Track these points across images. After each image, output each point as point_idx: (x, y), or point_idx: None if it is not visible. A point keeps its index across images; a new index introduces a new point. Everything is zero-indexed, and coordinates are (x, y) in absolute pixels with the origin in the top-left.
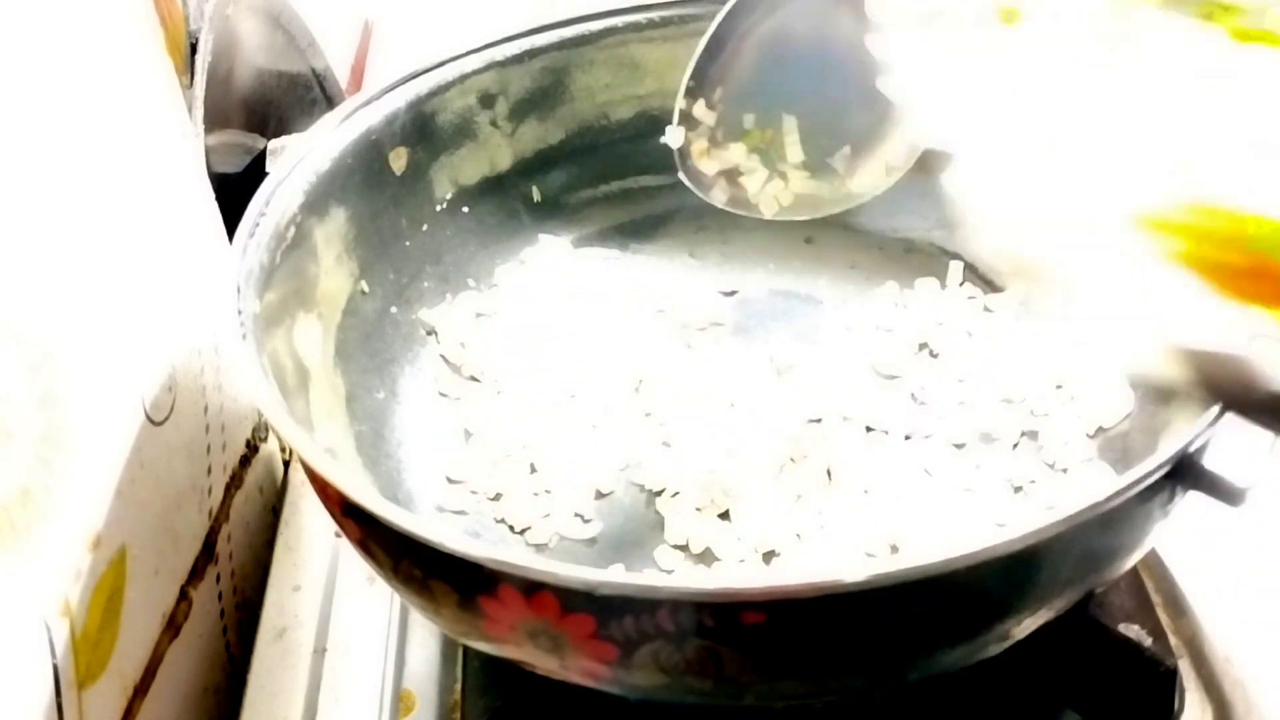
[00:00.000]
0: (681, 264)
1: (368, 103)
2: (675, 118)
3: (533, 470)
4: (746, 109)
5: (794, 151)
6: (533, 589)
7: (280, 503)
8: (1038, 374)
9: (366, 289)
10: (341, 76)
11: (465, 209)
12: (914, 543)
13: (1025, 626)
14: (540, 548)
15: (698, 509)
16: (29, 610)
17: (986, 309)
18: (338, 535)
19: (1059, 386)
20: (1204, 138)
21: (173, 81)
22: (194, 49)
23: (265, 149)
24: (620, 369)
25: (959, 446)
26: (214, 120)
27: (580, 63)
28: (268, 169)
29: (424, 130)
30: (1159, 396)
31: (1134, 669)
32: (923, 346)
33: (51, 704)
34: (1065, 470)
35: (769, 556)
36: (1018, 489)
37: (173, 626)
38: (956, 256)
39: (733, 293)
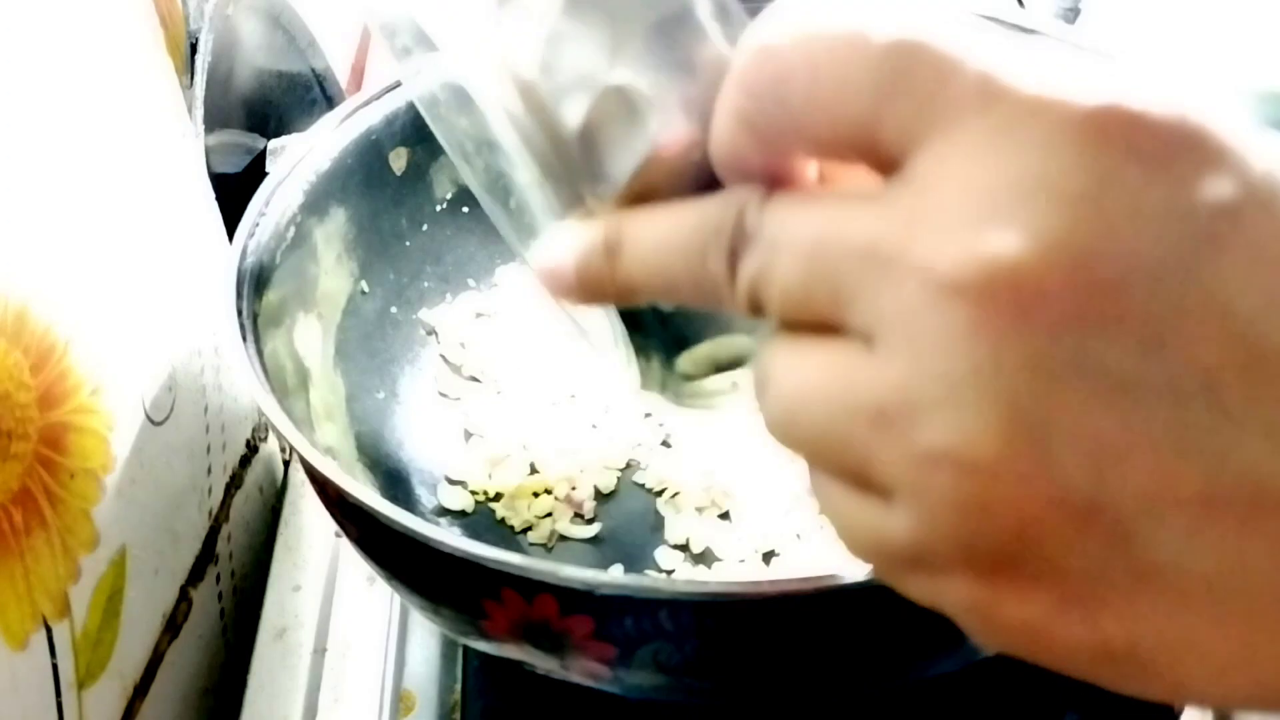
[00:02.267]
0: None
1: (367, 103)
2: None
3: (533, 470)
4: None
5: None
6: (533, 589)
7: (280, 503)
8: None
9: (366, 289)
10: (341, 76)
11: (465, 209)
12: None
13: None
14: (540, 548)
15: (698, 509)
16: (29, 610)
17: None
18: (338, 535)
19: None
20: None
21: (173, 81)
22: (194, 49)
23: (265, 149)
24: None
25: None
26: (214, 120)
27: None
28: (268, 169)
29: (424, 130)
30: None
31: None
32: None
33: (51, 704)
34: None
35: (769, 557)
36: None
37: (173, 626)
38: None
39: None
